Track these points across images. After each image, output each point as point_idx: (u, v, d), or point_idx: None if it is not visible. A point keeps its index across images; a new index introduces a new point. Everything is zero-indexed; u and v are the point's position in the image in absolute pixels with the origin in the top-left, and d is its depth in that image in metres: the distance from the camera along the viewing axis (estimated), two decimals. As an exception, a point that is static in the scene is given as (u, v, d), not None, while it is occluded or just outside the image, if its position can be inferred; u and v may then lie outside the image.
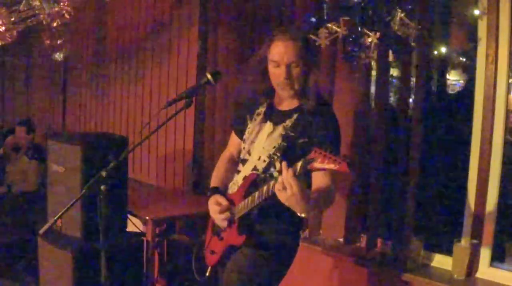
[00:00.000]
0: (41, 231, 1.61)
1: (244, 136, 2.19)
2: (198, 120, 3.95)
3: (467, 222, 2.56)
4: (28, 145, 4.95)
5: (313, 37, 2.64)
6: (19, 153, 4.98)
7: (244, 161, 2.14)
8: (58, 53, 4.77)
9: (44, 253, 3.10)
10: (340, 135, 2.05)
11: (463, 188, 2.60)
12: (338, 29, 2.57)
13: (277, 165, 2.00)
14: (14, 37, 4.05)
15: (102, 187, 1.54)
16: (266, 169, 2.03)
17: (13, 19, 3.91)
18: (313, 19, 2.73)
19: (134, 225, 3.38)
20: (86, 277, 2.81)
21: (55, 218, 1.53)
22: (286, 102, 2.08)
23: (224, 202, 2.07)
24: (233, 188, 2.15)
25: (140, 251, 3.21)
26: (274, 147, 2.02)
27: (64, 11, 3.69)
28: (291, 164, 1.73)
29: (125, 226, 3.20)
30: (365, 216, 2.88)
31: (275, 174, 1.99)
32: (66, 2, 3.67)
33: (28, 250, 3.93)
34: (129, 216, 3.25)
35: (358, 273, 2.85)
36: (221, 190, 2.19)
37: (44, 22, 3.82)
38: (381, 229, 2.86)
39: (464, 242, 2.53)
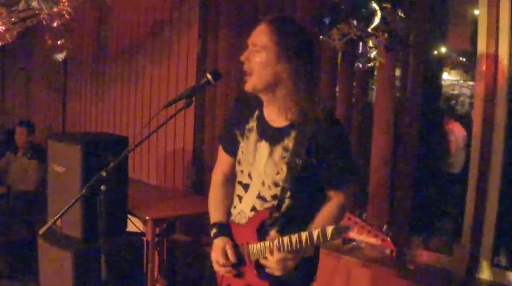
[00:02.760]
0: (41, 231, 1.61)
1: (239, 157, 1.91)
2: (198, 120, 3.95)
3: (467, 222, 2.56)
4: (28, 145, 4.95)
5: (326, 39, 2.61)
6: (17, 154, 4.99)
7: (245, 186, 1.88)
8: (59, 54, 4.76)
9: (44, 253, 3.10)
10: (350, 147, 1.89)
11: (463, 188, 2.61)
12: (350, 30, 2.52)
13: (288, 193, 1.78)
14: (14, 37, 4.06)
15: (102, 187, 1.54)
16: (277, 201, 1.80)
17: (13, 19, 3.91)
18: (326, 20, 2.65)
19: (134, 225, 3.38)
20: (86, 277, 2.81)
21: (55, 218, 1.53)
22: (277, 115, 1.80)
23: (232, 256, 1.82)
24: (239, 218, 1.88)
25: (140, 251, 3.21)
26: (278, 174, 1.78)
27: (64, 11, 3.70)
28: (305, 190, 1.75)
29: (125, 226, 3.21)
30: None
31: (287, 202, 1.79)
32: (66, 2, 3.67)
33: (28, 250, 3.94)
34: (129, 216, 3.25)
35: (358, 273, 2.85)
36: (227, 227, 1.91)
37: (44, 22, 3.83)
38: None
39: (464, 242, 2.53)
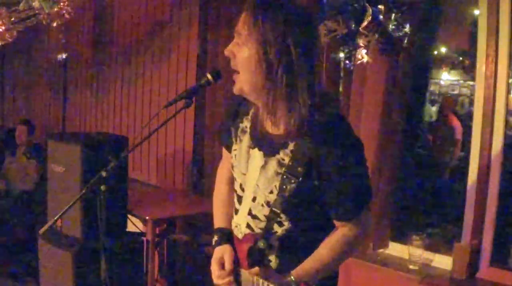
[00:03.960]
0: (41, 231, 1.60)
1: (232, 161, 1.64)
2: (198, 120, 3.95)
3: (467, 222, 2.56)
4: (28, 144, 4.96)
5: None
6: (16, 154, 4.99)
7: (239, 198, 1.63)
8: (59, 54, 4.77)
9: (44, 253, 3.10)
10: (364, 164, 1.46)
11: (463, 188, 2.61)
12: (338, 27, 2.53)
13: (283, 216, 1.50)
14: (14, 37, 4.06)
15: (102, 187, 1.53)
16: (267, 223, 1.53)
17: (13, 19, 3.91)
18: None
19: (134, 225, 3.38)
20: (86, 277, 2.81)
21: (55, 218, 1.53)
22: (274, 119, 1.47)
23: (229, 265, 1.57)
24: (236, 231, 1.64)
25: (140, 251, 3.21)
26: (272, 192, 1.49)
27: (64, 11, 3.70)
28: (305, 215, 1.48)
29: (125, 226, 3.21)
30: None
31: (286, 225, 1.51)
32: (66, 2, 3.67)
33: (28, 250, 3.93)
34: (129, 216, 3.25)
35: (358, 272, 2.84)
36: (230, 234, 1.66)
37: (44, 22, 3.83)
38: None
39: (464, 242, 2.53)
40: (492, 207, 2.48)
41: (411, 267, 2.67)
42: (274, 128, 1.49)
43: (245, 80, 1.43)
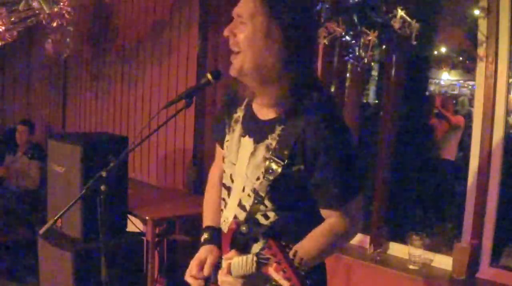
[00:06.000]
0: (41, 231, 1.60)
1: (224, 152, 1.64)
2: (198, 120, 3.95)
3: (467, 222, 2.56)
4: (28, 144, 4.96)
5: None
6: (17, 154, 4.99)
7: (228, 189, 1.60)
8: (59, 54, 4.76)
9: (44, 253, 3.10)
10: (352, 153, 1.45)
11: (463, 188, 2.61)
12: (337, 29, 2.54)
13: (270, 204, 1.48)
14: (14, 37, 4.05)
15: (102, 187, 1.53)
16: (249, 212, 1.50)
17: (13, 19, 3.91)
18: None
19: (134, 225, 3.38)
20: (86, 277, 2.81)
21: (55, 218, 1.53)
22: (266, 105, 1.48)
23: (207, 269, 1.57)
24: (224, 226, 1.61)
25: (140, 251, 3.21)
26: (258, 179, 1.46)
27: (64, 11, 3.70)
28: (292, 203, 1.45)
29: (125, 226, 3.21)
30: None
31: (272, 216, 1.49)
32: (66, 2, 3.67)
33: (28, 250, 3.93)
34: (129, 216, 3.25)
35: (358, 272, 2.85)
36: (219, 234, 1.64)
37: (44, 22, 3.83)
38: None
39: (464, 242, 2.53)
40: (492, 207, 2.48)
41: (411, 267, 2.67)
42: (264, 113, 1.49)
43: (247, 58, 1.40)
